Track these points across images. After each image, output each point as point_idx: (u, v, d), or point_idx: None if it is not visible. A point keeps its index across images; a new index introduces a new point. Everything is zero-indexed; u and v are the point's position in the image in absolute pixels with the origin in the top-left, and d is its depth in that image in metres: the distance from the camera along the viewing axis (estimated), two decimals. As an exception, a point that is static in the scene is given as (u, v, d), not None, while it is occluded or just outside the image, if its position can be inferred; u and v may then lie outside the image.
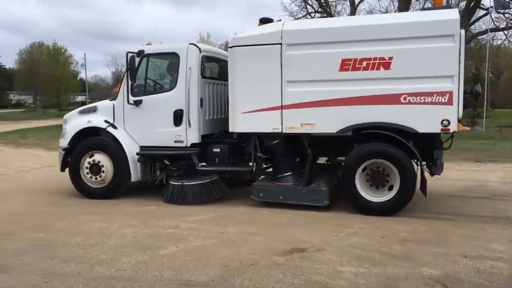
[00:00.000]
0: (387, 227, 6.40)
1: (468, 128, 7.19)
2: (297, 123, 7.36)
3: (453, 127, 6.74)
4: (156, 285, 4.47)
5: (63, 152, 8.46)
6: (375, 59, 6.94)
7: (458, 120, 6.76)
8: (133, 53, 7.88)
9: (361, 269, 4.86)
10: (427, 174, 7.24)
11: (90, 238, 5.93)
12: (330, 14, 31.33)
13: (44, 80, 58.72)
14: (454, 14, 6.73)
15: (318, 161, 8.49)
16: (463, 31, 6.66)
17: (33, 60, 62.71)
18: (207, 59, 8.19)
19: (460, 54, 6.63)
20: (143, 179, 8.35)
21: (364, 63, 6.99)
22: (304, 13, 32.34)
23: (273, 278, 4.61)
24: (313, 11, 32.62)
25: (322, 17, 31.83)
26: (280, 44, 7.29)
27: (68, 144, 8.38)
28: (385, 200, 7.12)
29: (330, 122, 7.21)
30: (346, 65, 7.06)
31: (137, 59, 8.02)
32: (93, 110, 8.54)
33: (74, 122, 8.56)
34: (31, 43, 69.22)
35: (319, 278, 4.62)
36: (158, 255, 5.25)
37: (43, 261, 5.09)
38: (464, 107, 8.10)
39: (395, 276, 4.69)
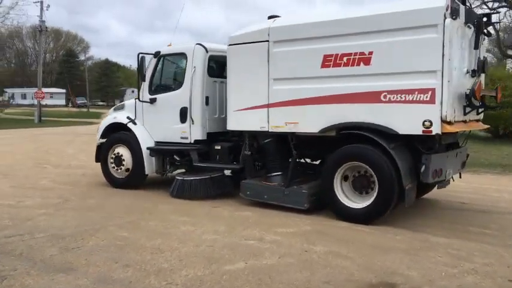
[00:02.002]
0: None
1: (456, 130, 6.19)
2: (281, 121, 7.20)
3: (436, 129, 5.95)
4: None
5: (98, 145, 9.44)
6: (355, 54, 6.49)
7: (444, 121, 5.94)
8: (146, 53, 8.51)
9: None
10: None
11: (167, 242, 5.72)
12: (511, 4, 28.42)
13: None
14: (438, 1, 5.94)
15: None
16: (449, 20, 5.85)
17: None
18: (216, 59, 8.42)
19: (444, 46, 5.85)
20: (158, 173, 8.91)
21: (345, 59, 6.58)
22: (479, 3, 29.72)
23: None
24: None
25: (500, 6, 28.89)
26: (268, 41, 7.23)
27: (100, 137, 9.34)
28: (364, 206, 6.58)
29: (312, 121, 6.91)
30: (327, 61, 6.73)
31: (155, 60, 8.67)
32: (122, 107, 9.41)
33: (107, 118, 9.52)
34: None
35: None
36: (220, 271, 4.80)
37: (106, 264, 4.98)
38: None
39: None
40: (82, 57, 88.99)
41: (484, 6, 30.28)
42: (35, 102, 41.04)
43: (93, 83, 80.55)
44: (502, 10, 30.12)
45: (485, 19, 7.03)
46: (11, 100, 39.74)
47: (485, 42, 7.45)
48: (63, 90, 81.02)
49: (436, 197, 8.35)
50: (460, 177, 7.92)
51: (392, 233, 6.18)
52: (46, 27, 42.07)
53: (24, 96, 75.46)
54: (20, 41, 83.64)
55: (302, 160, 8.16)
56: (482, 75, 7.28)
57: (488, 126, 7.86)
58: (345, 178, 6.83)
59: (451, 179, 7.45)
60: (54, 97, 77.93)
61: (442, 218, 7.08)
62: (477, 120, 7.43)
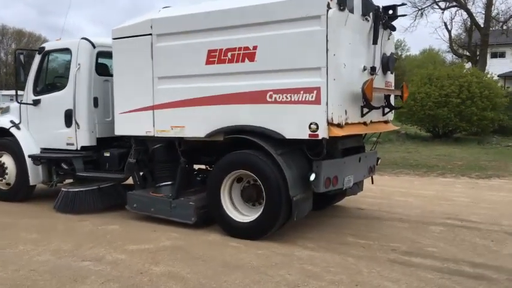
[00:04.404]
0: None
1: (346, 134, 5.52)
2: (167, 125, 6.41)
3: (322, 132, 5.27)
4: None
5: None
6: (240, 49, 5.77)
7: (330, 124, 5.27)
8: (26, 50, 7.63)
9: None
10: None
11: (-17, 267, 5.00)
12: (460, 3, 28.24)
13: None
14: None
15: None
16: (332, 11, 5.18)
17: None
18: (106, 55, 7.57)
19: (328, 40, 5.17)
20: (45, 183, 8.00)
21: (229, 55, 5.85)
22: (430, 3, 29.42)
23: None
24: (441, -1, 29.64)
25: (450, 6, 28.65)
26: (151, 34, 6.44)
27: None
28: (249, 220, 5.87)
29: (198, 124, 6.15)
30: (212, 57, 5.98)
31: (39, 56, 7.77)
32: (7, 110, 8.45)
33: None
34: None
35: None
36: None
37: None
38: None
39: None
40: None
41: (436, 6, 30.34)
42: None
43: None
44: (453, 9, 30.35)
45: (390, 12, 6.46)
46: None
47: (393, 37, 6.84)
48: (25, 93, 78.06)
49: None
50: (372, 182, 7.33)
51: (256, 247, 5.56)
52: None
53: (-23, 99, 72.50)
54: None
55: (203, 167, 7.40)
56: (390, 74, 6.72)
57: (397, 128, 7.28)
58: (235, 188, 6.13)
59: (357, 185, 6.85)
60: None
61: (326, 227, 6.47)
62: (385, 122, 6.83)
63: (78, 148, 7.40)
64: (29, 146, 7.81)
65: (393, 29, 6.58)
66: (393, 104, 6.84)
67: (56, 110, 7.51)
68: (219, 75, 5.95)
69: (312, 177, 5.53)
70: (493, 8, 27.81)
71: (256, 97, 5.67)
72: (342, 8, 5.31)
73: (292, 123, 5.47)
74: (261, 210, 5.77)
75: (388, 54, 6.56)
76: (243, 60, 5.75)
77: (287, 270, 4.83)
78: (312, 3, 5.25)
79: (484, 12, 28.27)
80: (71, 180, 7.90)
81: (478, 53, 30.02)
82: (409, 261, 5.14)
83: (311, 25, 5.26)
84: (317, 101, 5.27)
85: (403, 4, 6.65)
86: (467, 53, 32.73)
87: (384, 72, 6.48)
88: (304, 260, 5.15)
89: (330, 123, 5.26)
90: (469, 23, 30.48)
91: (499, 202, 8.14)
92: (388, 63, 6.44)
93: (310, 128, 5.33)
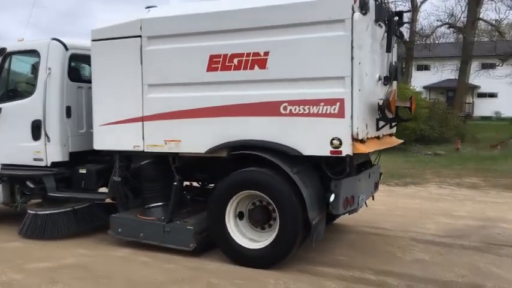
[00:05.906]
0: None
1: (370, 150, 5.12)
2: (160, 139, 5.68)
3: (346, 149, 4.77)
4: None
5: None
6: (248, 54, 5.16)
7: (355, 139, 4.78)
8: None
9: None
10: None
11: None
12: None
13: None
14: None
15: None
16: (357, 15, 4.70)
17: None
18: (80, 58, 6.71)
19: (353, 47, 4.69)
20: (6, 205, 6.97)
21: (236, 61, 5.22)
22: None
23: None
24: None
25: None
26: (140, 36, 5.69)
27: None
28: (261, 247, 5.25)
29: (197, 138, 5.47)
30: (215, 63, 5.33)
31: (-1, 59, 6.77)
32: None
33: None
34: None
35: None
36: None
37: None
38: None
39: None
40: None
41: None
42: None
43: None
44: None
45: (396, 18, 6.09)
46: None
47: (396, 45, 6.48)
48: None
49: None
50: (373, 199, 6.93)
51: (166, 261, 5.40)
52: None
53: None
54: None
55: (194, 183, 6.70)
56: (395, 83, 6.35)
57: (403, 141, 6.95)
58: (241, 211, 5.50)
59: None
60: None
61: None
62: (390, 135, 6.46)
63: (48, 164, 6.46)
64: None
65: (401, 36, 6.23)
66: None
67: (21, 121, 6.54)
68: (223, 84, 5.31)
69: (332, 198, 5.01)
70: (417, 23, 28.84)
71: (268, 109, 5.09)
72: (364, 12, 4.85)
73: (310, 138, 4.93)
74: (274, 235, 5.17)
75: (393, 63, 6.20)
76: (252, 67, 5.15)
77: (191, 285, 4.71)
78: (335, 6, 4.75)
79: (408, 27, 29.45)
80: (38, 201, 6.91)
81: (403, 65, 31.24)
82: (319, 271, 5.15)
83: (334, 30, 4.76)
84: (340, 114, 4.77)
85: (409, 11, 6.32)
86: (394, 65, 34.08)
87: (392, 81, 6.11)
88: (212, 273, 5.04)
89: (354, 139, 4.77)
90: (395, 37, 31.72)
91: (411, 209, 8.41)
92: (396, 72, 6.07)
93: (332, 143, 4.81)
